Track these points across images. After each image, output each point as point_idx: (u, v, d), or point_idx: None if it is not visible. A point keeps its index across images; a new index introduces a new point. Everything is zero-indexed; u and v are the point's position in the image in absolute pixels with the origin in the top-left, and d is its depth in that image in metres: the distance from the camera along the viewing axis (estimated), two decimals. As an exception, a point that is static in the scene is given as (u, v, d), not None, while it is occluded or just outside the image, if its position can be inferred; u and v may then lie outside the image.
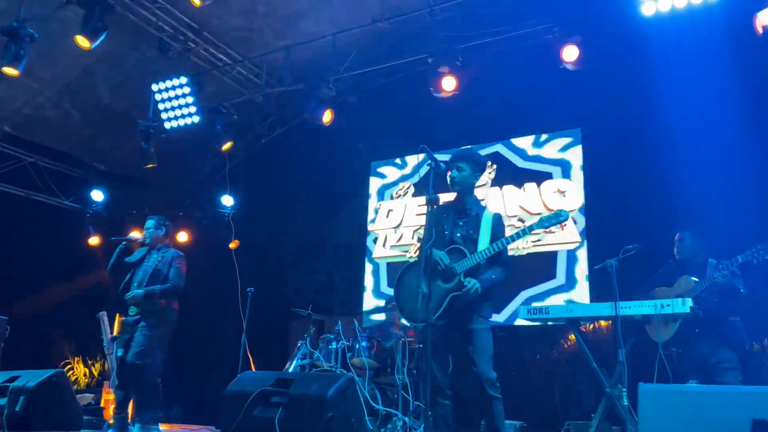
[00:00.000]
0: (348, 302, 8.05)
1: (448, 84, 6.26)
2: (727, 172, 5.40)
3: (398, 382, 5.18)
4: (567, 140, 7.01)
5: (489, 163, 7.28)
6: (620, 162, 6.31)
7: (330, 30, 6.94)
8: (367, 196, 8.28)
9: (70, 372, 8.52)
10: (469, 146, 4.04)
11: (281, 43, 7.37)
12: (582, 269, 6.50)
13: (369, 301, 7.76)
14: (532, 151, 7.22)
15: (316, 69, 6.98)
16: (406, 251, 7.60)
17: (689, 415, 2.62)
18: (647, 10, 5.36)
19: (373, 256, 7.96)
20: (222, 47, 7.64)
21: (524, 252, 6.81)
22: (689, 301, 3.77)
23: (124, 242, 5.35)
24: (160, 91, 7.25)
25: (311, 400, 3.49)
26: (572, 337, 5.65)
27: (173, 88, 7.19)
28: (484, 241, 3.66)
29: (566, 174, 6.88)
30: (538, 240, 6.81)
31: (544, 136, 7.17)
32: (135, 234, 5.53)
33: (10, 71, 5.83)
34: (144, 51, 7.35)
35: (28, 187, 8.70)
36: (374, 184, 8.31)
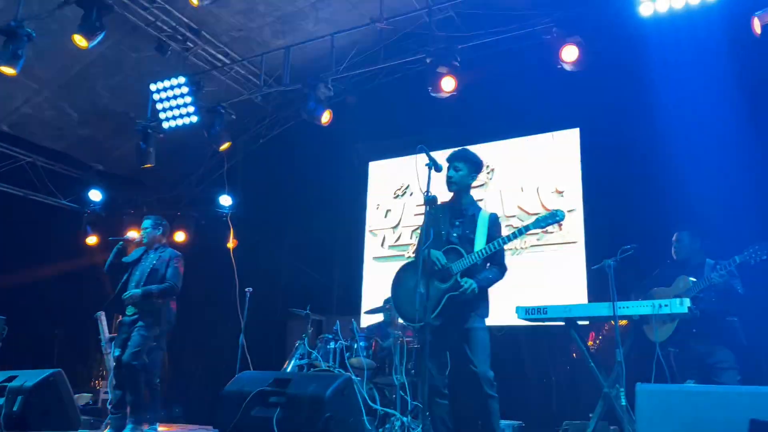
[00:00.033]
0: (346, 302, 8.06)
1: (448, 84, 6.25)
2: (724, 172, 5.41)
3: (396, 382, 5.18)
4: (565, 140, 7.01)
5: (485, 164, 7.29)
6: (618, 162, 6.32)
7: (328, 30, 6.94)
8: (365, 195, 8.27)
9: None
10: (465, 146, 4.03)
11: (280, 43, 7.37)
12: (580, 269, 6.51)
13: (367, 301, 7.76)
14: (530, 151, 7.22)
15: (314, 69, 6.99)
16: (405, 251, 7.61)
17: (687, 415, 2.62)
18: (645, 10, 5.36)
19: (372, 255, 7.96)
20: (220, 47, 7.64)
21: (523, 252, 6.82)
22: (687, 302, 3.77)
23: (121, 242, 5.35)
24: (158, 91, 7.24)
25: (309, 400, 3.49)
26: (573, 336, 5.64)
27: (171, 87, 7.18)
28: (480, 241, 3.67)
29: (564, 174, 6.88)
30: (537, 240, 6.82)
31: (542, 136, 7.17)
32: (132, 234, 5.53)
33: (8, 71, 5.82)
34: (142, 51, 7.34)
35: (26, 187, 8.69)
36: (372, 183, 8.30)
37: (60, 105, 7.97)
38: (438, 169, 3.59)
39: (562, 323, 4.25)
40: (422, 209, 3.75)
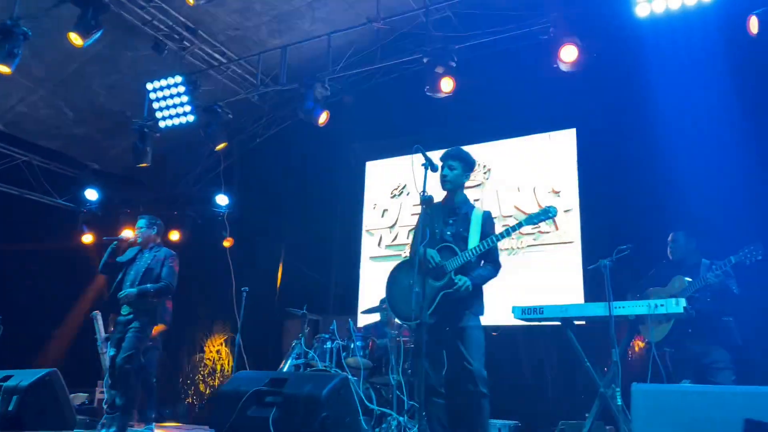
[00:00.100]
0: (343, 302, 8.05)
1: (446, 85, 6.24)
2: (720, 173, 5.42)
3: (393, 381, 5.18)
4: (562, 140, 7.02)
5: (482, 164, 7.30)
6: (615, 162, 6.34)
7: (325, 29, 6.94)
8: (362, 195, 8.27)
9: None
10: (460, 146, 4.04)
11: (276, 42, 7.36)
12: (576, 269, 6.52)
13: (364, 301, 7.75)
14: (527, 151, 7.23)
15: (311, 68, 6.98)
16: (402, 251, 7.61)
17: (682, 414, 2.63)
18: (642, 11, 5.37)
19: (369, 255, 7.96)
20: (217, 46, 7.63)
21: (520, 252, 6.82)
22: (683, 302, 3.77)
23: (115, 242, 5.33)
24: (154, 90, 7.22)
25: (305, 400, 3.49)
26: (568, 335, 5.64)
27: (168, 87, 7.16)
28: (474, 239, 3.68)
29: (561, 174, 6.89)
30: (534, 240, 6.82)
31: (539, 136, 7.18)
32: (126, 233, 5.51)
33: (3, 69, 5.79)
34: (139, 50, 7.32)
35: (22, 186, 8.66)
36: (369, 183, 8.30)
37: (56, 104, 7.95)
38: (434, 169, 3.61)
39: (559, 323, 4.25)
40: (419, 209, 3.75)
